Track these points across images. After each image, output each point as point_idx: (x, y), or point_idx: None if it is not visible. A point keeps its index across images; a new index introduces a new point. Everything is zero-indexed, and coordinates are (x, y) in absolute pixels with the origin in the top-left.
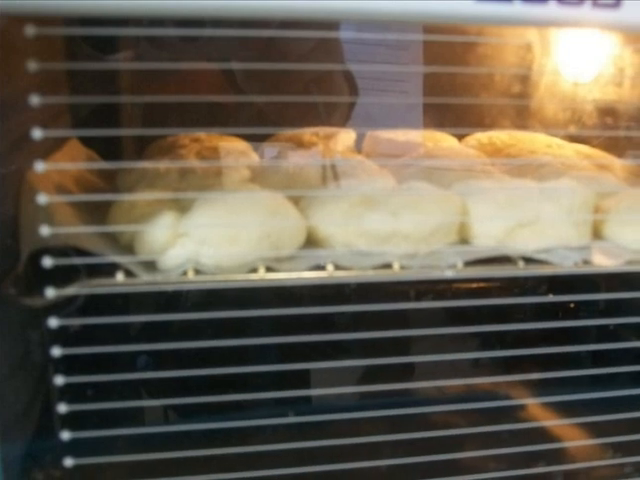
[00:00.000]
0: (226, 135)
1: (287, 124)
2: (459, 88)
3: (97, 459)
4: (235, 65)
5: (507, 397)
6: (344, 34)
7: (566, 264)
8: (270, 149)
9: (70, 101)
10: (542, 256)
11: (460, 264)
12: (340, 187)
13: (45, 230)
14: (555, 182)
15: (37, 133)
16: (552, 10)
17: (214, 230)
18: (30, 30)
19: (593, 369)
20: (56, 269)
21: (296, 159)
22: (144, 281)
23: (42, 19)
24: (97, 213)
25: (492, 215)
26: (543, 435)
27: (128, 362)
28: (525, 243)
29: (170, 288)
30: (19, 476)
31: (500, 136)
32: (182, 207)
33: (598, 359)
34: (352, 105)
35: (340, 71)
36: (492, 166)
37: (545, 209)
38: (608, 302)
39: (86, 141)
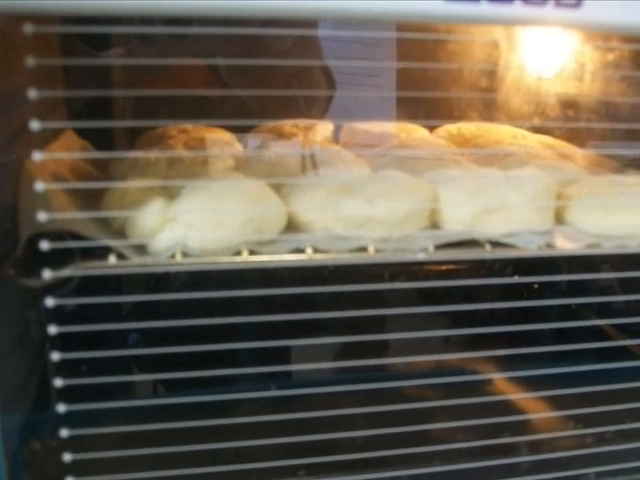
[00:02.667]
0: (212, 126)
1: (269, 116)
2: (430, 82)
3: (91, 430)
4: (220, 61)
5: (475, 372)
6: (322, 32)
7: (530, 247)
8: (253, 140)
9: (66, 95)
10: (508, 240)
11: (431, 247)
12: (319, 175)
13: (42, 215)
14: (520, 170)
15: (35, 125)
16: (517, 9)
17: (201, 215)
18: (28, 28)
19: (555, 346)
20: (52, 252)
21: (277, 149)
22: (135, 263)
23: (40, 18)
24: (91, 200)
25: (461, 201)
26: (508, 408)
27: (120, 339)
28: (492, 227)
29: (159, 270)
30: (18, 446)
31: (468, 127)
32: (171, 194)
33: (560, 336)
34: (330, 98)
35: (319, 67)
36: (461, 156)
37: (510, 196)
38: (570, 283)
39: (81, 132)
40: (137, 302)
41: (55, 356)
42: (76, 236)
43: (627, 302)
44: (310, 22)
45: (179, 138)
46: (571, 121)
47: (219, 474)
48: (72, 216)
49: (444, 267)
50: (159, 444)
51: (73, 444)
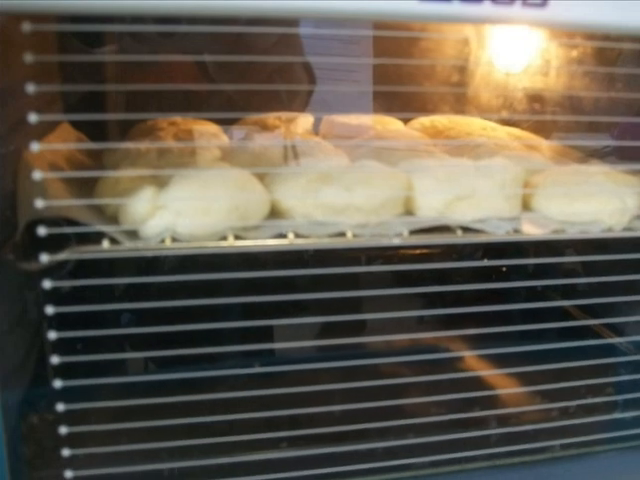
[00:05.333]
0: (199, 119)
1: (253, 109)
2: (405, 77)
3: (86, 404)
4: (207, 57)
5: (447, 350)
6: (303, 30)
7: (499, 233)
8: (238, 131)
9: (62, 89)
10: (478, 225)
11: (406, 233)
12: (300, 165)
13: (40, 203)
14: (489, 160)
15: (33, 117)
16: (487, 9)
17: (189, 203)
18: (27, 27)
19: (523, 325)
20: (49, 237)
21: (261, 140)
22: (127, 248)
23: (37, 17)
24: (85, 188)
25: (434, 189)
26: (479, 383)
27: (113, 319)
28: (463, 214)
29: (150, 254)
30: (17, 420)
31: (441, 120)
32: (160, 183)
33: (527, 316)
34: (310, 93)
35: (300, 63)
36: (434, 146)
37: (480, 184)
38: (536, 266)
39: (76, 124)
40: (129, 284)
41: (52, 335)
42: (72, 222)
43: (589, 284)
44: (292, 21)
45: (169, 130)
46: (537, 114)
47: (205, 446)
48: (68, 203)
49: (418, 251)
50: (149, 418)
51: (69, 418)
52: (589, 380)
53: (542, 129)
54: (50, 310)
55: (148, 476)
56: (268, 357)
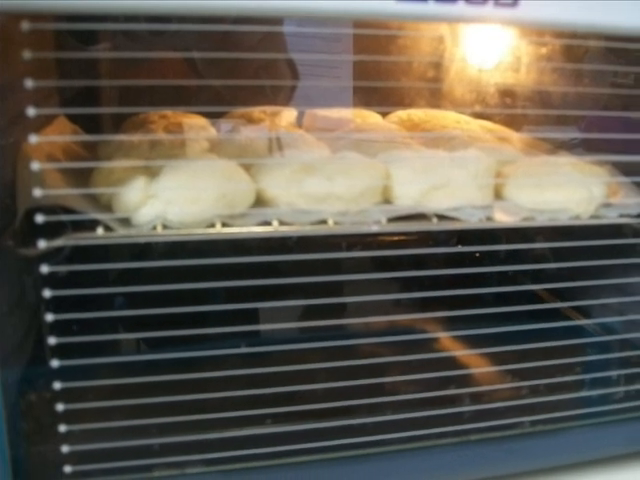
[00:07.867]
0: (189, 113)
1: (240, 104)
2: (383, 73)
3: (81, 383)
4: (196, 54)
5: (423, 331)
6: (287, 28)
7: (472, 220)
8: (225, 124)
9: (58, 84)
10: (452, 214)
11: (384, 220)
12: (284, 156)
13: (38, 192)
14: (463, 152)
15: (31, 111)
16: (460, 8)
17: (179, 192)
18: (25, 25)
19: (494, 308)
20: (47, 224)
21: (247, 133)
22: (120, 234)
23: (35, 16)
24: (81, 178)
25: (410, 179)
26: (453, 363)
27: (107, 302)
28: (438, 203)
29: (142, 240)
30: (16, 397)
31: (417, 113)
32: (152, 173)
33: (499, 299)
34: (294, 88)
35: (284, 59)
36: (411, 139)
37: (455, 174)
38: (507, 252)
39: (72, 118)
40: (122, 269)
41: (49, 317)
42: (68, 210)
43: (558, 269)
44: (276, 20)
45: (159, 123)
46: (508, 108)
47: (194, 422)
48: (64, 192)
49: (395, 238)
50: (141, 395)
51: (65, 395)
52: (557, 360)
53: (513, 122)
54: (47, 293)
55: (140, 451)
56: (253, 338)
